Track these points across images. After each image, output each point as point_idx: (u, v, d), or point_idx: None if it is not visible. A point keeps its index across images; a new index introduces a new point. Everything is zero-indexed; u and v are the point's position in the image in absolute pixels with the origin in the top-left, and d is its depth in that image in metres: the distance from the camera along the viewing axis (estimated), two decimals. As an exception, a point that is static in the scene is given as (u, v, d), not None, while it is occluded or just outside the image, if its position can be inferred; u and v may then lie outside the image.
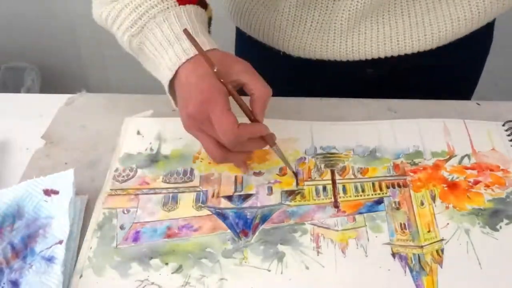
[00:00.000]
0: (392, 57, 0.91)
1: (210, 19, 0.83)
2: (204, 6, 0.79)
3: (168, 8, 0.73)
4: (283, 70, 1.00)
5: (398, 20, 0.87)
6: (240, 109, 0.74)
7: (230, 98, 0.72)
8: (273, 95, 0.74)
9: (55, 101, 0.93)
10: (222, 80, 0.70)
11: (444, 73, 1.03)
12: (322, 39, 0.90)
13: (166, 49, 0.73)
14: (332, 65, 0.94)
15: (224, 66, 0.71)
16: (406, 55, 0.91)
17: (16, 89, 2.00)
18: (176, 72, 0.72)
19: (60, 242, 0.69)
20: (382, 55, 0.91)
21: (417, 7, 0.87)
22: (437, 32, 0.88)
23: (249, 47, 1.04)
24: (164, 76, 0.74)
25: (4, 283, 0.65)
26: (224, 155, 0.73)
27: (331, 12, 0.86)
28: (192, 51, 0.71)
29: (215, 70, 0.70)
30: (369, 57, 0.91)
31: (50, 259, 0.67)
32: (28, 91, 2.01)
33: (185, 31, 0.71)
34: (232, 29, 1.11)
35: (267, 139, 0.75)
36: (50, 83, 2.14)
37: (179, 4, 0.74)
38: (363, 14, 0.86)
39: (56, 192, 0.74)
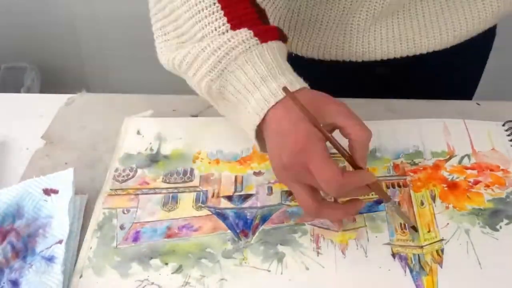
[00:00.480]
0: (407, 56, 0.91)
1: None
2: (285, 38, 0.73)
3: (250, 47, 0.67)
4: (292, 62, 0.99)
5: (413, 20, 0.87)
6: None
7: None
8: None
9: (55, 101, 0.93)
10: (318, 126, 0.63)
11: (450, 71, 1.04)
12: (338, 39, 0.88)
13: (251, 92, 0.66)
14: (343, 65, 0.94)
15: (317, 108, 0.64)
16: (420, 54, 0.91)
17: (16, 89, 2.00)
18: (264, 116, 0.66)
19: (60, 241, 0.69)
20: (398, 55, 0.90)
21: (431, 7, 0.87)
22: (452, 31, 0.88)
23: None
24: (251, 121, 0.67)
25: (4, 283, 0.65)
26: (319, 208, 0.66)
27: (348, 12, 0.85)
28: (281, 93, 0.65)
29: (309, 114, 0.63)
30: (385, 57, 0.90)
31: (50, 259, 0.67)
32: (28, 91, 2.02)
33: (285, 89, 0.64)
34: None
35: (372, 186, 0.67)
36: (50, 83, 2.14)
37: (261, 42, 0.67)
38: (381, 14, 0.85)
39: (55, 192, 0.74)
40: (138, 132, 0.86)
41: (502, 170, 0.80)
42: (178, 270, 0.67)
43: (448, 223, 0.72)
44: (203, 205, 0.75)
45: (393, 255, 0.69)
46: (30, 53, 2.14)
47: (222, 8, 0.67)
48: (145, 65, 2.17)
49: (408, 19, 0.87)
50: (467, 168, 0.80)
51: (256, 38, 0.67)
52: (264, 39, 0.67)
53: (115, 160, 0.82)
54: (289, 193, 0.76)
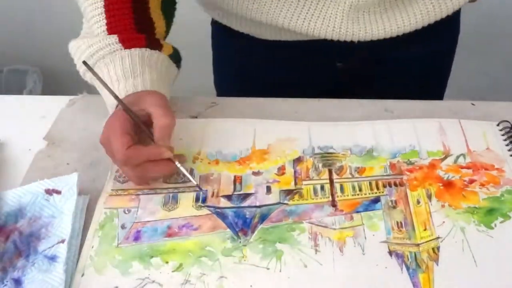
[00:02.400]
0: (363, 46, 0.92)
1: (174, 54, 0.89)
2: (157, 46, 0.84)
3: (115, 51, 0.81)
4: (259, 58, 1.05)
5: (364, 13, 0.89)
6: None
7: None
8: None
9: (57, 103, 0.94)
10: (127, 110, 0.76)
11: (413, 66, 1.06)
12: (289, 5, 0.90)
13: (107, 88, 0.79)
14: (304, 52, 0.98)
15: (137, 99, 0.77)
16: (377, 42, 0.92)
17: (19, 91, 2.01)
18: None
19: (62, 241, 0.70)
20: (356, 38, 0.91)
21: None
22: (411, 18, 0.91)
23: (225, 38, 1.10)
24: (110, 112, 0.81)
25: (7, 281, 0.66)
26: (137, 173, 0.76)
27: None
28: (124, 93, 0.79)
29: (123, 102, 0.76)
30: (343, 38, 0.91)
31: (52, 258, 0.68)
32: (31, 93, 2.02)
33: (84, 63, 0.80)
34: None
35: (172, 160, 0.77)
36: (52, 85, 2.15)
37: (125, 48, 0.81)
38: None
39: (58, 192, 0.75)
40: (138, 133, 0.87)
41: (497, 169, 0.81)
42: (179, 268, 0.68)
43: (444, 222, 0.73)
44: (202, 205, 0.76)
45: (390, 252, 0.70)
46: (32, 56, 2.14)
47: (106, 18, 0.83)
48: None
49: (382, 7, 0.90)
50: (462, 167, 0.81)
51: (120, 44, 0.81)
52: (128, 46, 0.82)
53: (115, 160, 0.82)
54: (287, 193, 0.77)
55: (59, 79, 2.18)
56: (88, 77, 0.85)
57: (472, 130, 0.87)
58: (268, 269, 0.68)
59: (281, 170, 0.81)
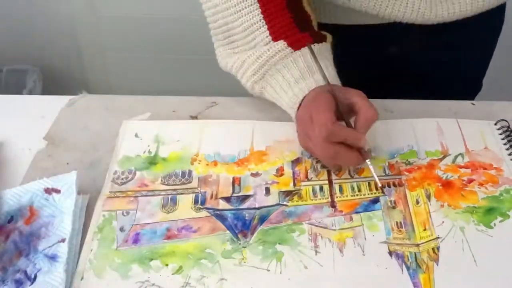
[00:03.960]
0: (419, 30, 0.94)
1: (332, 44, 0.89)
2: (321, 39, 0.86)
3: (286, 56, 0.82)
4: None
5: None
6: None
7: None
8: None
9: (56, 103, 0.94)
10: (332, 91, 0.77)
11: (459, 53, 1.06)
12: None
13: (286, 91, 0.83)
14: (360, 35, 0.98)
15: (339, 88, 0.80)
16: (433, 28, 0.93)
17: (18, 91, 2.00)
18: (298, 107, 0.81)
19: (63, 240, 0.70)
20: (413, 20, 0.92)
21: None
22: (461, 6, 0.92)
23: None
24: (289, 114, 0.84)
25: (8, 281, 0.66)
26: (332, 152, 0.76)
27: None
28: (307, 88, 0.80)
29: (330, 86, 0.78)
30: (405, 19, 0.93)
31: (53, 257, 0.68)
32: (30, 92, 2.02)
33: (317, 63, 0.80)
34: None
35: (364, 154, 0.77)
36: (51, 85, 2.15)
37: (295, 50, 0.82)
38: None
39: (57, 191, 0.75)
40: (136, 135, 0.87)
41: (495, 168, 0.81)
42: (178, 271, 0.68)
43: (443, 221, 0.74)
44: (202, 207, 0.76)
45: (390, 253, 0.70)
46: (32, 55, 2.14)
47: (266, 23, 0.83)
48: (145, 67, 2.18)
49: None
50: (461, 167, 0.81)
51: (290, 48, 0.82)
52: (297, 47, 0.82)
53: (113, 163, 0.82)
54: (286, 194, 0.77)
55: (59, 79, 2.19)
56: (257, 88, 0.87)
57: (470, 129, 0.87)
58: (268, 270, 0.68)
59: (279, 171, 0.81)
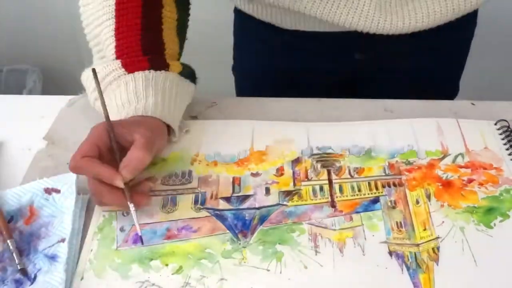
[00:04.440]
0: (381, 38, 0.93)
1: (185, 71, 0.87)
2: (162, 67, 0.83)
3: (119, 76, 0.81)
4: (278, 46, 1.06)
5: (393, 4, 0.90)
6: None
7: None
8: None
9: (56, 103, 0.94)
10: (112, 129, 0.74)
11: (430, 58, 1.06)
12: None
13: (115, 114, 0.79)
14: (325, 42, 0.98)
15: (130, 123, 0.76)
16: (397, 36, 0.93)
17: (18, 91, 2.01)
18: None
19: (63, 240, 0.70)
20: (381, 31, 0.92)
21: None
22: (424, 18, 0.91)
23: (246, 26, 1.10)
24: None
25: (8, 281, 0.66)
26: (91, 187, 0.73)
27: None
28: (124, 117, 0.78)
29: (109, 119, 0.74)
30: (365, 30, 0.92)
31: (53, 257, 0.68)
32: (30, 92, 2.02)
33: (100, 95, 0.75)
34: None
35: (125, 192, 0.71)
36: (51, 85, 2.15)
37: (128, 72, 0.81)
38: None
39: (57, 191, 0.75)
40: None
41: (495, 168, 0.81)
42: (178, 271, 0.68)
43: (443, 221, 0.73)
44: (202, 207, 0.76)
45: (390, 253, 0.70)
46: (32, 56, 2.14)
47: (115, 40, 0.83)
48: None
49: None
50: (461, 167, 0.81)
51: (124, 69, 0.81)
52: (131, 69, 0.81)
53: (114, 163, 0.82)
54: (286, 194, 0.77)
55: (59, 79, 2.19)
56: (97, 106, 0.83)
57: (470, 129, 0.87)
58: (268, 270, 0.68)
59: (279, 171, 0.81)
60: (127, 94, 0.79)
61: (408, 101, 0.94)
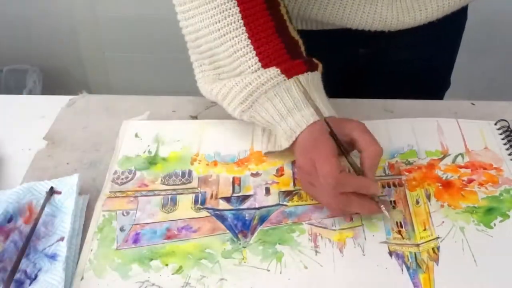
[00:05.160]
0: (387, 32, 0.94)
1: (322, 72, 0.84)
2: (314, 67, 0.80)
3: (278, 83, 0.76)
4: None
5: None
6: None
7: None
8: None
9: (56, 103, 0.94)
10: (334, 136, 0.73)
11: (430, 49, 1.07)
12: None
13: (279, 122, 0.77)
14: (329, 37, 0.98)
15: (338, 123, 0.75)
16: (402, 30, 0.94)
17: (19, 91, 2.01)
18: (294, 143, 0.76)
19: (62, 239, 0.70)
20: (381, 28, 0.93)
21: None
22: (427, 11, 0.93)
23: None
24: (283, 145, 0.78)
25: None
26: (344, 202, 0.71)
27: None
28: (305, 123, 0.75)
29: (328, 128, 0.73)
30: (373, 28, 0.93)
31: (52, 256, 0.68)
32: (30, 92, 2.03)
33: (317, 110, 0.74)
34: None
35: (378, 201, 0.73)
36: (51, 85, 2.15)
37: (288, 78, 0.76)
38: None
39: (58, 193, 0.75)
40: (136, 135, 0.87)
41: (495, 168, 0.81)
42: (178, 271, 0.68)
43: (443, 221, 0.73)
44: (201, 207, 0.76)
45: (390, 253, 0.70)
46: (32, 56, 2.15)
47: (254, 49, 0.77)
48: (145, 67, 2.18)
49: None
50: (461, 167, 0.81)
51: (283, 75, 0.76)
52: (290, 75, 0.76)
53: (114, 163, 0.82)
54: (286, 194, 0.77)
55: (59, 79, 2.19)
56: (246, 117, 0.80)
57: (470, 129, 0.87)
58: (268, 270, 0.68)
59: (279, 171, 0.81)
60: (292, 100, 0.76)
61: (408, 101, 0.94)
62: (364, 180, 0.72)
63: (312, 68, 0.79)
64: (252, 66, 0.77)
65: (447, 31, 1.05)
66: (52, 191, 0.75)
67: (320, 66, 0.82)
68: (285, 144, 0.76)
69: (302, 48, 0.82)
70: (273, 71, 0.76)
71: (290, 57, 0.78)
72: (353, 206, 0.71)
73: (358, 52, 1.06)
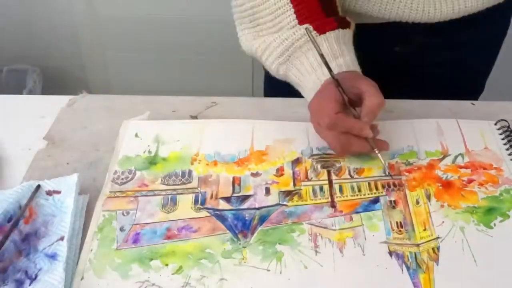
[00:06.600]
0: (421, 30, 0.95)
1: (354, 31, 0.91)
2: (346, 25, 0.87)
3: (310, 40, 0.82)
4: None
5: None
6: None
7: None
8: None
9: (56, 102, 0.94)
10: (338, 83, 0.79)
11: (463, 52, 1.06)
12: None
13: (310, 74, 0.85)
14: (366, 36, 0.96)
15: (350, 78, 0.81)
16: (436, 25, 0.94)
17: (18, 91, 2.01)
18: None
19: (62, 238, 0.70)
20: (419, 19, 0.93)
21: None
22: (466, 2, 0.93)
23: None
24: (308, 96, 0.85)
25: (8, 282, 0.66)
26: (343, 141, 0.79)
27: None
28: (329, 75, 0.82)
29: (335, 77, 0.80)
30: (410, 19, 0.94)
31: (52, 256, 0.68)
32: (30, 92, 2.02)
33: (322, 57, 0.81)
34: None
35: (370, 141, 0.79)
36: (51, 85, 2.15)
37: (320, 34, 0.84)
38: None
39: (58, 192, 0.75)
40: (136, 135, 0.87)
41: (495, 168, 0.81)
42: (178, 271, 0.68)
43: (443, 221, 0.74)
44: (202, 207, 0.76)
45: (390, 253, 0.70)
46: (32, 56, 2.15)
47: (293, 7, 0.84)
48: (145, 67, 2.18)
49: None
50: (461, 167, 0.81)
51: (315, 32, 0.84)
52: (322, 31, 0.84)
53: (114, 163, 0.82)
54: (286, 194, 0.78)
55: (59, 79, 2.19)
56: (282, 70, 0.88)
57: (470, 129, 0.87)
58: (268, 270, 0.68)
59: (279, 171, 0.81)
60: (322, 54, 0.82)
61: (408, 101, 0.94)
62: (357, 122, 0.78)
63: (343, 25, 0.86)
64: (290, 23, 0.85)
65: (488, 32, 1.04)
66: (38, 189, 0.75)
67: (353, 24, 0.89)
68: (311, 95, 0.83)
69: (340, 8, 0.89)
70: (306, 28, 0.83)
71: (325, 15, 0.85)
72: (353, 146, 0.79)
73: (393, 50, 1.05)
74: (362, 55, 0.99)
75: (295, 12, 0.84)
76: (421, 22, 0.93)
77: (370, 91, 0.78)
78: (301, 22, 0.85)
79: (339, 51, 0.84)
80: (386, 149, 0.82)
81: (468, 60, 1.07)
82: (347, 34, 0.87)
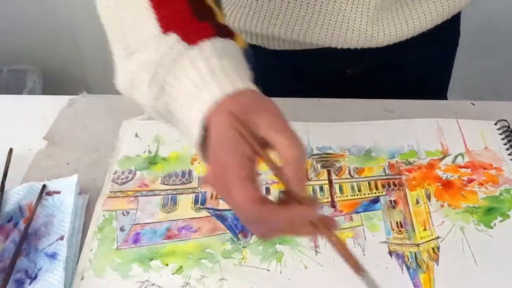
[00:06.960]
0: (372, 52, 0.91)
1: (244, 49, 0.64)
2: (227, 34, 0.60)
3: (180, 54, 0.57)
4: (264, 66, 0.87)
5: (384, 13, 0.88)
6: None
7: None
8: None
9: (57, 103, 0.94)
10: (247, 139, 0.53)
11: (415, 70, 1.05)
12: (324, 20, 0.88)
13: (190, 104, 0.56)
14: (315, 60, 0.95)
15: (249, 116, 0.54)
16: (386, 48, 0.91)
17: (19, 91, 2.01)
18: (206, 126, 0.55)
19: (62, 238, 0.70)
20: (368, 45, 0.90)
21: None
22: (415, 23, 0.90)
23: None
24: (192, 138, 0.57)
25: (8, 281, 0.66)
26: (265, 231, 0.56)
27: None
28: (212, 101, 0.54)
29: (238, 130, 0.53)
30: (359, 46, 0.90)
31: (53, 256, 0.68)
32: (30, 92, 2.02)
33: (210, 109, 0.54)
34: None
35: (318, 224, 0.55)
36: (52, 85, 2.15)
37: (191, 45, 0.57)
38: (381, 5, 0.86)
39: (57, 193, 0.75)
40: (136, 135, 0.87)
41: (495, 168, 0.81)
42: (179, 271, 0.68)
43: (443, 221, 0.74)
44: (202, 206, 0.76)
45: (390, 253, 0.70)
46: (32, 56, 2.14)
47: (155, 13, 0.60)
48: (144, 67, 2.18)
49: (380, 13, 0.88)
50: (461, 167, 0.81)
51: (185, 43, 0.57)
52: (193, 40, 0.57)
53: (114, 162, 0.82)
54: (286, 194, 0.77)
55: (59, 79, 2.19)
56: (161, 107, 0.60)
57: (470, 129, 0.87)
58: (268, 270, 0.68)
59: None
60: (197, 73, 0.56)
61: (408, 101, 0.94)
62: (297, 210, 0.52)
63: (223, 33, 0.60)
64: (152, 33, 0.59)
65: (437, 50, 1.03)
66: (44, 189, 0.75)
67: (241, 38, 0.62)
68: (195, 133, 0.56)
69: (221, 19, 0.63)
70: (170, 38, 0.58)
71: (197, 20, 0.60)
72: (298, 231, 0.57)
73: (345, 74, 1.03)
74: (312, 78, 0.96)
75: (158, 19, 0.59)
76: (370, 47, 0.91)
77: (280, 142, 0.52)
78: (165, 29, 0.59)
79: (219, 66, 0.56)
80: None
81: (421, 77, 1.07)
82: (230, 46, 0.59)
